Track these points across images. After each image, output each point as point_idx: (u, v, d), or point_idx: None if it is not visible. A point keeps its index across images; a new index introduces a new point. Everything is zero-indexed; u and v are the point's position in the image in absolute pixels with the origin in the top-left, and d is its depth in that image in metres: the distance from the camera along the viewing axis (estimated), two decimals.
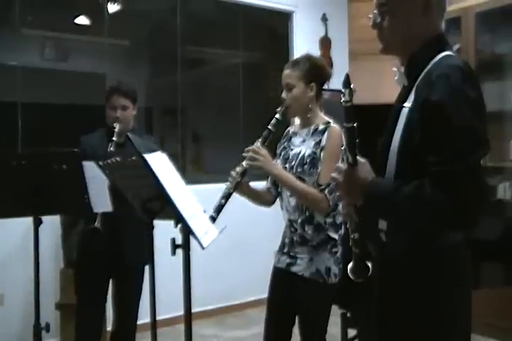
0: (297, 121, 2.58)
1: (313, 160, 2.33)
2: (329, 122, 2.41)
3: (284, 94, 2.41)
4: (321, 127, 2.39)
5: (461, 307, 1.54)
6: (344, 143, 1.51)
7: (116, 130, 2.74)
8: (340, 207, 1.87)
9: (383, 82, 3.72)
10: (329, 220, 2.36)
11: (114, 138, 2.70)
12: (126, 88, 2.87)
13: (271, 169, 2.32)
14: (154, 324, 1.91)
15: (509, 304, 3.73)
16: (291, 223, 2.42)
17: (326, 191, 2.27)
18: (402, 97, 1.60)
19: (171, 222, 1.84)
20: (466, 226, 1.41)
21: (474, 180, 1.38)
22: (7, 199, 2.28)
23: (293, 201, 2.39)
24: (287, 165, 2.42)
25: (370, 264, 1.53)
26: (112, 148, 2.64)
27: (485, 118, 1.45)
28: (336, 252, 2.35)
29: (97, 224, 2.57)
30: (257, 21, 5.80)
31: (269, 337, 2.49)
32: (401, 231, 1.54)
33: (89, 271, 2.87)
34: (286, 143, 2.53)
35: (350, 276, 1.54)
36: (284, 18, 5.63)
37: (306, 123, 2.47)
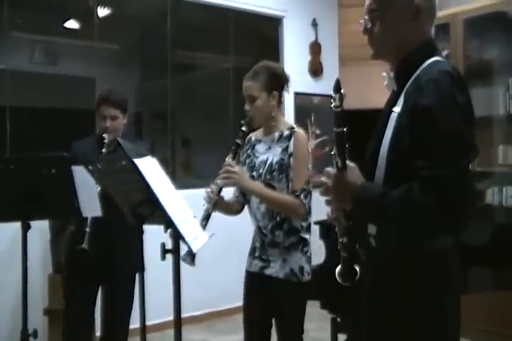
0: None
1: (282, 166, 2.35)
2: (293, 127, 2.42)
3: (247, 106, 2.42)
4: (286, 133, 2.40)
5: (450, 312, 1.54)
6: (334, 147, 1.51)
7: (105, 141, 2.70)
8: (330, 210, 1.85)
9: (373, 87, 3.74)
10: (305, 224, 2.40)
11: (103, 150, 2.67)
12: (116, 97, 2.82)
13: (245, 185, 2.35)
14: (144, 329, 1.90)
15: (499, 309, 3.74)
16: (260, 229, 2.44)
17: (302, 196, 2.31)
18: (392, 102, 1.60)
19: (161, 227, 1.84)
20: (454, 230, 1.42)
21: (463, 184, 1.38)
22: None
23: (262, 208, 2.41)
24: (254, 173, 2.43)
25: (358, 268, 1.53)
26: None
27: (473, 123, 1.46)
28: (307, 251, 2.40)
29: (84, 245, 2.55)
30: (247, 26, 5.81)
31: None
32: (390, 235, 1.54)
33: (79, 277, 2.85)
34: (249, 151, 2.53)
35: (338, 280, 1.54)
36: (274, 23, 5.64)
37: (269, 131, 2.48)
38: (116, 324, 2.90)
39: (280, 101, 2.47)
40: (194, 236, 1.82)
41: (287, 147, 2.36)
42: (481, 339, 3.78)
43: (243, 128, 2.38)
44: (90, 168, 2.07)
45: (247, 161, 2.51)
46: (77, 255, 2.76)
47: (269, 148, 2.44)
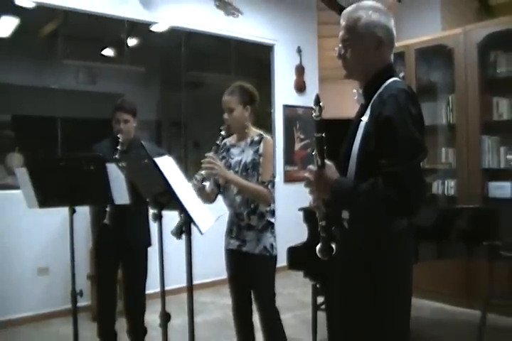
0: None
1: (254, 165, 2.34)
2: (261, 134, 2.42)
3: (225, 116, 2.39)
4: (256, 138, 2.40)
5: (406, 277, 1.54)
6: (315, 149, 1.49)
7: (120, 140, 2.68)
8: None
9: (346, 101, 3.71)
10: (269, 209, 2.38)
11: (118, 147, 2.63)
12: (128, 105, 2.78)
13: (226, 175, 2.31)
14: (163, 293, 1.88)
15: (440, 274, 3.80)
16: (237, 215, 2.41)
17: (269, 186, 2.32)
18: (360, 113, 1.59)
19: (176, 212, 1.81)
20: (410, 214, 1.42)
21: (416, 178, 1.39)
22: (50, 192, 2.24)
23: (238, 198, 2.38)
24: (231, 172, 2.40)
25: (334, 246, 1.51)
26: (117, 156, 2.58)
27: (424, 130, 1.46)
28: (274, 232, 2.40)
29: (106, 220, 2.53)
30: (245, 52, 5.78)
31: (237, 304, 2.50)
32: (359, 219, 1.53)
33: (103, 252, 2.81)
34: (225, 153, 2.50)
35: (318, 255, 1.52)
36: (267, 49, 5.60)
37: (242, 137, 2.46)
38: (132, 287, 2.83)
39: (251, 114, 2.44)
40: (203, 220, 1.79)
41: (258, 149, 2.36)
42: (427, 297, 3.87)
43: (222, 133, 2.36)
44: (120, 165, 2.04)
45: (223, 161, 2.46)
46: (101, 229, 2.70)
47: (243, 151, 2.42)
